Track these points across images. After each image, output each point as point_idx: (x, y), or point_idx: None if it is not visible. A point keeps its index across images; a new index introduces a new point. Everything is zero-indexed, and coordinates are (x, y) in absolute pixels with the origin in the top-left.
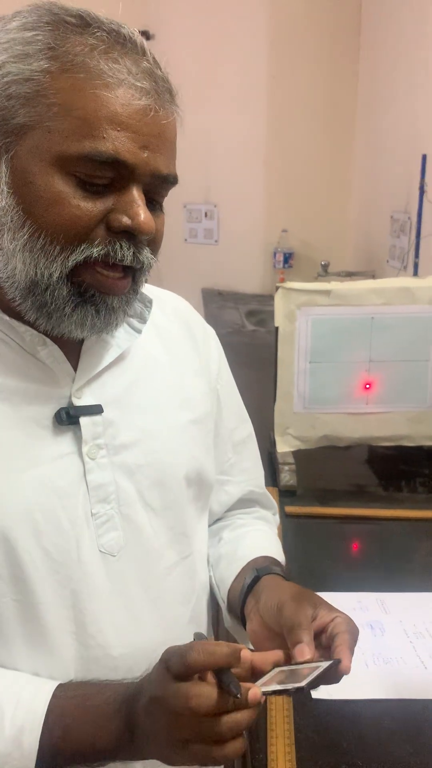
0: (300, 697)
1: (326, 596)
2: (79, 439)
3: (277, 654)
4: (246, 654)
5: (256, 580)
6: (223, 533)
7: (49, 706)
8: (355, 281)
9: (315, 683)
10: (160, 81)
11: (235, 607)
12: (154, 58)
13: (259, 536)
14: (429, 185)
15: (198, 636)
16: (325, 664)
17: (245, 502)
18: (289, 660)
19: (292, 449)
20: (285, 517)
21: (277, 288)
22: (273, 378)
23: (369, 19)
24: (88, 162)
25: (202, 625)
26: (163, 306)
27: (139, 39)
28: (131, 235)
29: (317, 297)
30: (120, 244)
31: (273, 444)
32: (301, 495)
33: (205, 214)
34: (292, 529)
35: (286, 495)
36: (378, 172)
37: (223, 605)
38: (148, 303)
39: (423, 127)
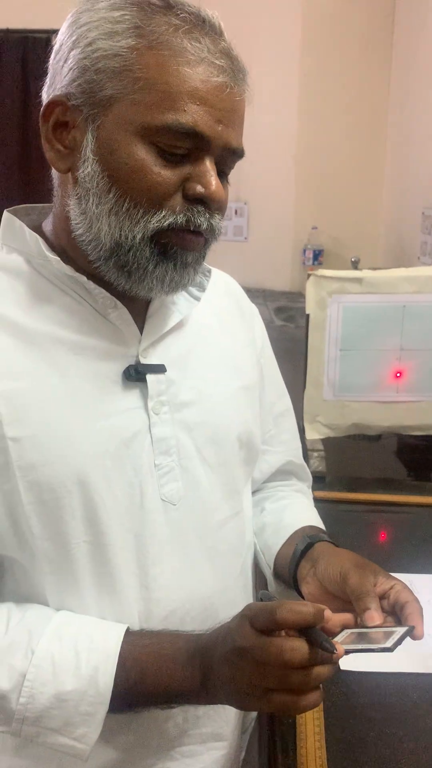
0: None
1: None
2: (144, 395)
3: (347, 617)
4: (327, 614)
5: (309, 546)
6: (266, 504)
7: (122, 652)
8: (387, 270)
9: (397, 645)
10: (235, 60)
11: (284, 572)
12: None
13: (302, 508)
14: None
15: (264, 595)
16: (400, 630)
17: (284, 474)
18: (355, 623)
19: (322, 437)
20: (314, 501)
21: (308, 275)
22: (303, 367)
23: (402, 15)
24: (169, 132)
25: (249, 582)
26: (215, 281)
27: (217, 21)
28: (204, 203)
29: (349, 285)
30: (197, 209)
31: (302, 431)
32: (329, 482)
33: (235, 212)
34: (320, 514)
35: (314, 481)
36: (409, 168)
37: (269, 570)
38: (207, 273)
39: None
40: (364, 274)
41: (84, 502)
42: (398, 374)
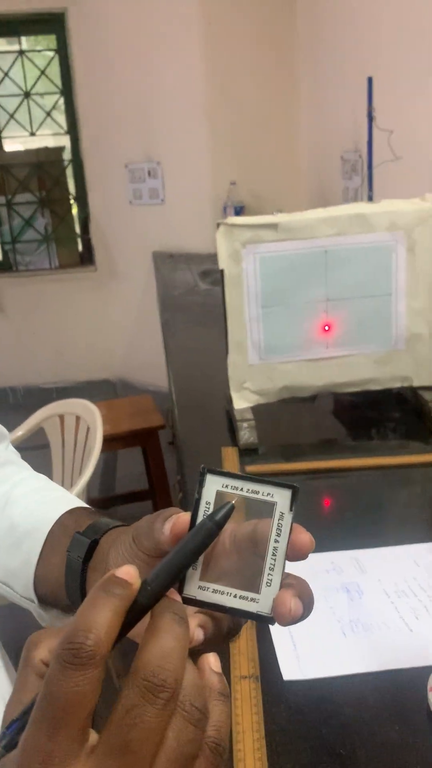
0: (269, 684)
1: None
2: None
3: None
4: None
5: (93, 547)
6: None
7: None
8: (304, 212)
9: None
10: None
11: (59, 594)
12: None
13: (24, 490)
14: (377, 110)
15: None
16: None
17: None
18: None
19: (251, 404)
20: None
21: (218, 225)
22: (224, 329)
23: None
24: None
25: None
26: None
27: None
28: None
29: (263, 232)
30: None
31: (229, 400)
32: (263, 453)
33: (149, 173)
34: None
35: (247, 454)
36: (325, 112)
37: (32, 604)
38: None
39: (367, 52)
40: (278, 218)
41: None
42: (326, 328)
